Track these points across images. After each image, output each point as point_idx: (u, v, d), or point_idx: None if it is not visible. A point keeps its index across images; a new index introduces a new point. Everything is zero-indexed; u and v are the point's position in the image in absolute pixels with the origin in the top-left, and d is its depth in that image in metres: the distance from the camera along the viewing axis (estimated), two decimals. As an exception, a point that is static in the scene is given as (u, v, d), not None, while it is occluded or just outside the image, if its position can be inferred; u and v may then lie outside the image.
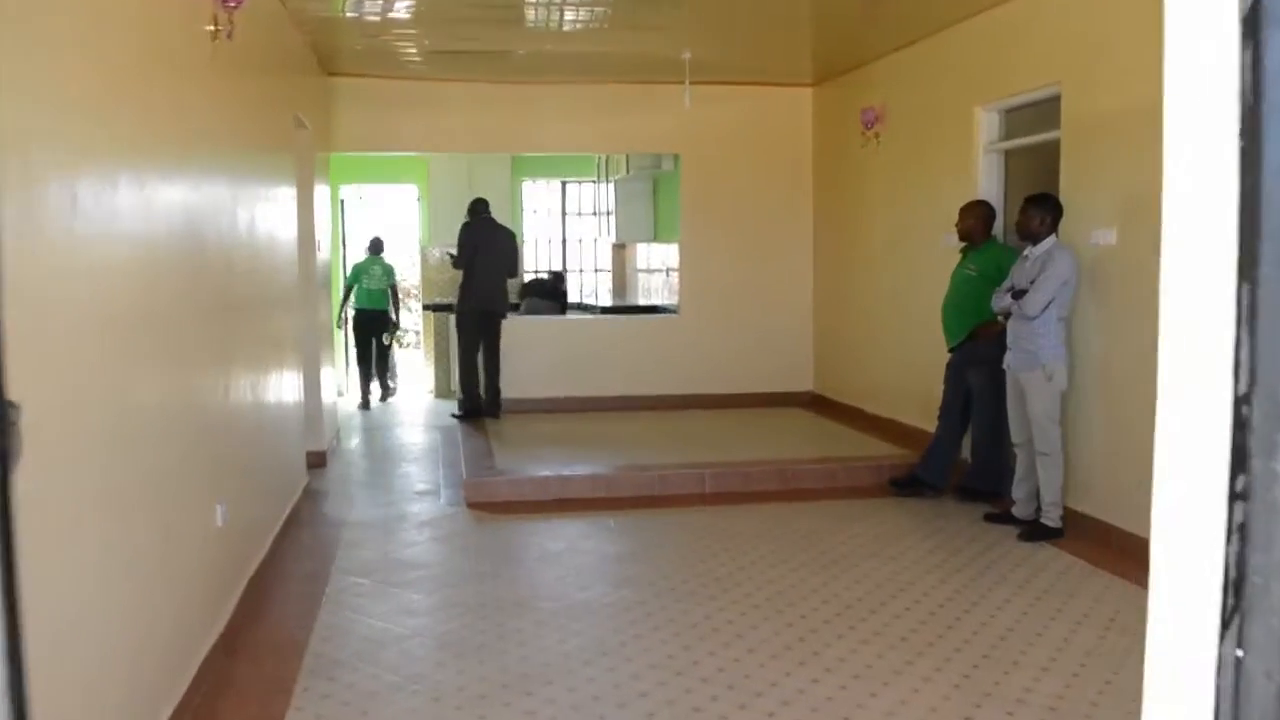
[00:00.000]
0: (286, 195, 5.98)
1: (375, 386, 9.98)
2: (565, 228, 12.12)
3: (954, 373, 6.15)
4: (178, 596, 3.31)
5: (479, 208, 8.53)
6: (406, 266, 12.02)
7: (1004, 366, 5.48)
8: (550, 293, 10.40)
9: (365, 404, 9.77)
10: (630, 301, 11.37)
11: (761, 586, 4.50)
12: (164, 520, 3.17)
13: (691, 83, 8.29)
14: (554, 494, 6.20)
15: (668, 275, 9.72)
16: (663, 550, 5.13)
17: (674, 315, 9.31)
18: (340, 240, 10.98)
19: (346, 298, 9.96)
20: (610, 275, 12.14)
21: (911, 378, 7.40)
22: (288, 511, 5.53)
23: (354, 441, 8.21)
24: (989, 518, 5.65)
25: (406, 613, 4.18)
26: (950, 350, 6.15)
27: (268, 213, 5.38)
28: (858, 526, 5.51)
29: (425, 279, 11.40)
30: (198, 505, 3.63)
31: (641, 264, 11.32)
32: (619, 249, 11.97)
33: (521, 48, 7.46)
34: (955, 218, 6.21)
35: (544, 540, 5.32)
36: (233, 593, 4.09)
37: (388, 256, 10.11)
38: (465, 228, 8.43)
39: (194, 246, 3.71)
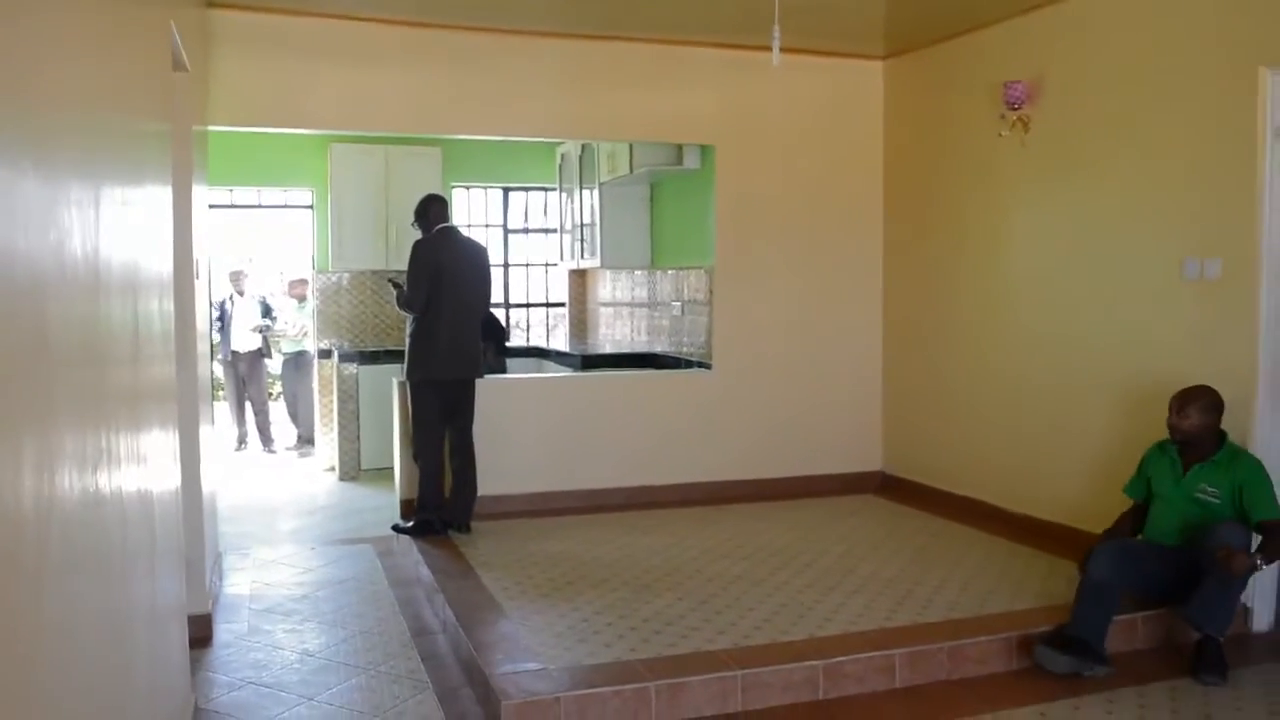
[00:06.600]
0: (155, 191, 3.06)
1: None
2: (507, 249, 9.28)
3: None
4: None
5: (433, 210, 5.60)
6: (285, 301, 8.95)
7: None
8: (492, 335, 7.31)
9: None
10: (593, 347, 8.67)
11: None
12: None
13: (726, 45, 5.86)
14: (661, 714, 3.49)
15: (683, 312, 7.08)
16: None
17: (704, 371, 6.67)
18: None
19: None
20: (567, 311, 9.37)
21: (1075, 466, 5.02)
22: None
23: (243, 573, 5.19)
24: None
25: None
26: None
27: (119, 214, 2.53)
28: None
29: (325, 316, 8.39)
30: None
31: (607, 295, 8.63)
32: (577, 277, 9.25)
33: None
34: (1196, 233, 3.97)
35: None
36: None
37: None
38: (421, 245, 5.53)
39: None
